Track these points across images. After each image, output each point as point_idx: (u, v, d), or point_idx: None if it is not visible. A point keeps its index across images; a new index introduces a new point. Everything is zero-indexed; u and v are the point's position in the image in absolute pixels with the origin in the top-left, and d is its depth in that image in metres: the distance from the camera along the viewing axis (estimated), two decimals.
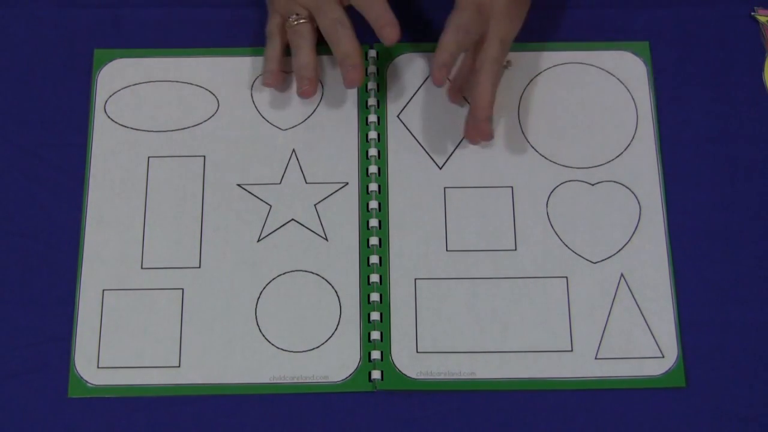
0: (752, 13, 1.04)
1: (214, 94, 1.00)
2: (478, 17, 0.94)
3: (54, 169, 0.97)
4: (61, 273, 0.93)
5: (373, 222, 0.95)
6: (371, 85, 1.00)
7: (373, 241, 0.95)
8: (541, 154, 0.98)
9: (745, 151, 0.98)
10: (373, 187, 0.96)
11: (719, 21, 1.02)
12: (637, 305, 0.93)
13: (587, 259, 0.94)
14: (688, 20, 1.02)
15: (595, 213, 0.96)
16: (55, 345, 0.91)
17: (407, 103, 1.00)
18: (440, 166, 0.98)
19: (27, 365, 0.91)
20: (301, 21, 0.98)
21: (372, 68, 1.01)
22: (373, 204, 0.96)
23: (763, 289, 0.93)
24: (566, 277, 0.94)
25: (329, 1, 0.97)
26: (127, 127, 0.99)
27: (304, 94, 0.98)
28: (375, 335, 0.92)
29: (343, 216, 0.96)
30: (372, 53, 1.02)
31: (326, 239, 0.95)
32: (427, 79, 1.01)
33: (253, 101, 1.00)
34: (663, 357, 0.91)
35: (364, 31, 1.02)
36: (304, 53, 0.98)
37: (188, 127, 0.99)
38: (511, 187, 0.97)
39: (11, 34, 1.02)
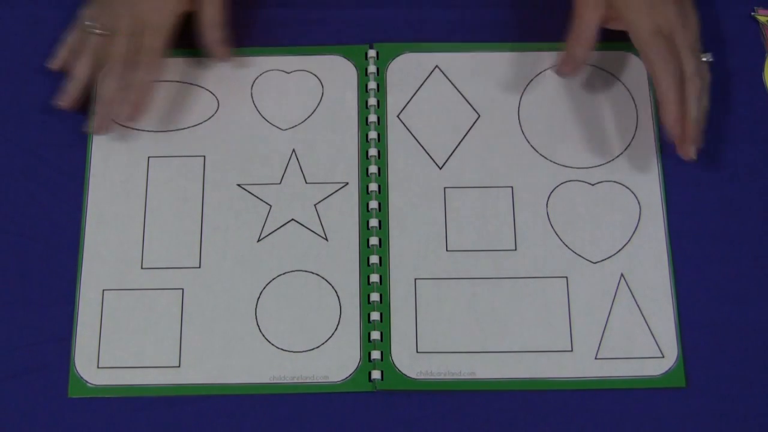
0: (752, 13, 1.04)
1: (214, 94, 1.00)
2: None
3: (54, 169, 0.97)
4: (61, 273, 0.93)
5: (373, 222, 0.95)
6: (371, 85, 1.00)
7: (373, 241, 0.95)
8: (541, 154, 0.98)
9: (745, 151, 0.98)
10: (373, 187, 0.96)
11: (719, 21, 1.03)
12: (637, 305, 0.93)
13: (587, 259, 0.94)
14: None
15: (595, 213, 0.96)
16: (55, 345, 0.91)
17: (407, 103, 1.00)
18: (440, 166, 0.98)
19: (27, 365, 0.91)
20: (105, 33, 0.97)
21: (372, 68, 1.01)
22: (373, 204, 0.96)
23: (763, 289, 0.93)
24: (566, 277, 0.94)
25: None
26: (127, 127, 0.99)
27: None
28: (375, 335, 0.92)
29: (343, 216, 0.96)
30: (372, 53, 1.02)
31: (326, 239, 0.95)
32: (427, 78, 1.01)
33: (253, 101, 1.00)
34: (663, 357, 0.91)
35: (363, 31, 1.02)
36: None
37: (188, 127, 0.99)
38: (511, 187, 0.97)
39: (11, 34, 1.03)
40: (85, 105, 0.99)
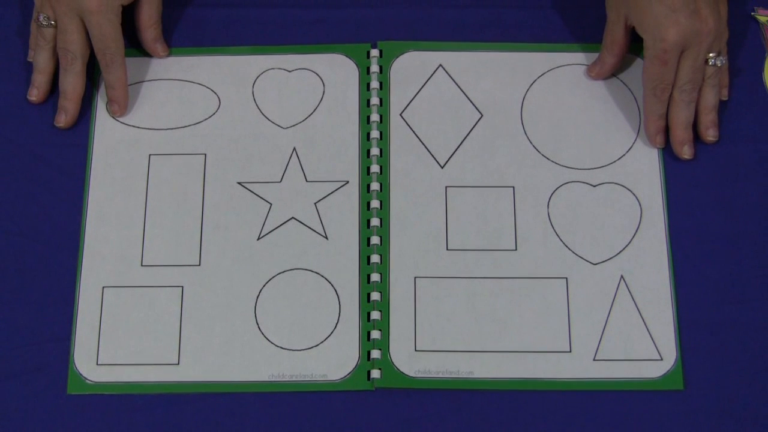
0: (752, 13, 1.03)
1: (215, 93, 1.00)
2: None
3: (54, 168, 0.97)
4: (61, 270, 0.94)
5: (374, 221, 0.95)
6: (374, 83, 1.00)
7: (374, 240, 0.95)
8: (543, 155, 0.98)
9: (746, 152, 0.98)
10: (374, 185, 0.96)
11: None
12: (637, 307, 0.93)
13: (587, 261, 0.94)
14: None
15: (596, 214, 0.96)
16: (54, 341, 0.92)
17: (410, 101, 1.00)
18: (442, 165, 0.98)
19: (26, 362, 0.91)
20: (52, 23, 0.98)
21: (374, 67, 1.01)
22: (374, 203, 0.96)
23: (763, 293, 0.93)
24: (566, 278, 0.94)
25: (72, 25, 0.97)
26: (129, 125, 0.99)
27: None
28: (375, 334, 0.92)
29: (344, 214, 0.96)
30: (374, 52, 1.02)
31: (326, 238, 0.95)
32: (430, 77, 1.01)
33: (254, 99, 1.00)
34: (661, 360, 0.91)
35: (367, 29, 1.02)
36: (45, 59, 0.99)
37: (189, 125, 0.99)
38: (513, 187, 0.97)
39: (11, 33, 1.03)
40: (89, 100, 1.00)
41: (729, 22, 0.97)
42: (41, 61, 0.99)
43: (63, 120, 0.98)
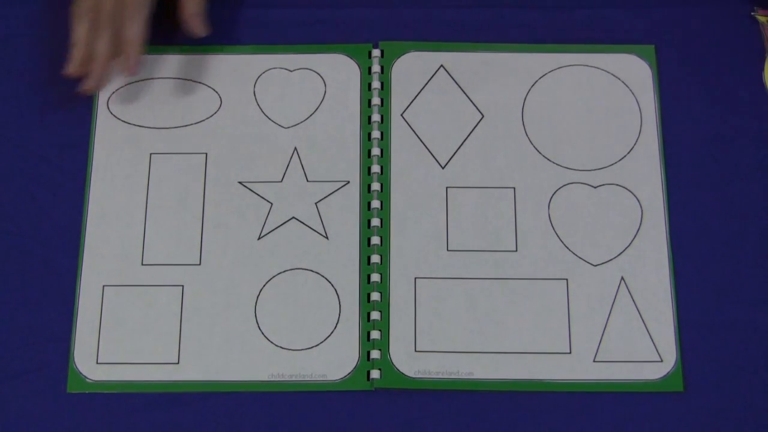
0: (752, 13, 1.03)
1: (216, 92, 1.00)
2: None
3: (54, 168, 0.97)
4: (61, 269, 0.94)
5: (375, 221, 0.95)
6: (375, 83, 1.00)
7: (374, 240, 0.95)
8: (544, 156, 0.98)
9: (746, 152, 0.98)
10: (375, 186, 0.96)
11: (719, 21, 1.02)
12: (637, 309, 0.93)
13: (588, 262, 0.94)
14: (688, 21, 1.02)
15: (597, 216, 0.96)
16: (54, 340, 0.92)
17: (411, 102, 1.00)
18: (443, 165, 0.98)
19: (26, 360, 0.91)
20: None
21: (376, 67, 1.01)
22: (375, 203, 0.96)
23: (763, 293, 0.93)
24: (566, 279, 0.94)
25: None
26: (130, 124, 0.99)
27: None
28: (375, 335, 0.92)
29: (344, 215, 0.96)
30: (376, 52, 1.02)
31: (327, 238, 0.95)
32: (431, 78, 1.01)
33: (255, 99, 1.00)
34: (661, 361, 0.91)
35: (369, 30, 1.02)
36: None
37: (191, 124, 0.99)
38: (514, 188, 0.97)
39: (12, 34, 1.03)
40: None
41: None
42: (81, 32, 0.96)
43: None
